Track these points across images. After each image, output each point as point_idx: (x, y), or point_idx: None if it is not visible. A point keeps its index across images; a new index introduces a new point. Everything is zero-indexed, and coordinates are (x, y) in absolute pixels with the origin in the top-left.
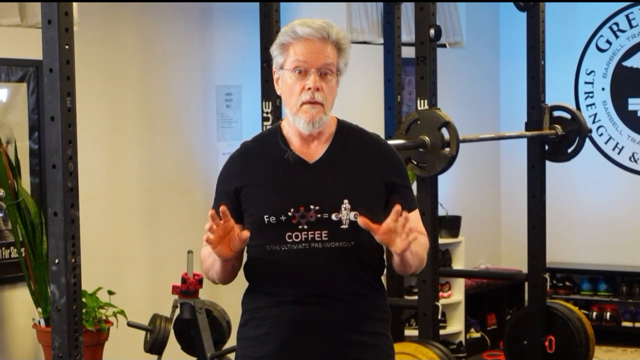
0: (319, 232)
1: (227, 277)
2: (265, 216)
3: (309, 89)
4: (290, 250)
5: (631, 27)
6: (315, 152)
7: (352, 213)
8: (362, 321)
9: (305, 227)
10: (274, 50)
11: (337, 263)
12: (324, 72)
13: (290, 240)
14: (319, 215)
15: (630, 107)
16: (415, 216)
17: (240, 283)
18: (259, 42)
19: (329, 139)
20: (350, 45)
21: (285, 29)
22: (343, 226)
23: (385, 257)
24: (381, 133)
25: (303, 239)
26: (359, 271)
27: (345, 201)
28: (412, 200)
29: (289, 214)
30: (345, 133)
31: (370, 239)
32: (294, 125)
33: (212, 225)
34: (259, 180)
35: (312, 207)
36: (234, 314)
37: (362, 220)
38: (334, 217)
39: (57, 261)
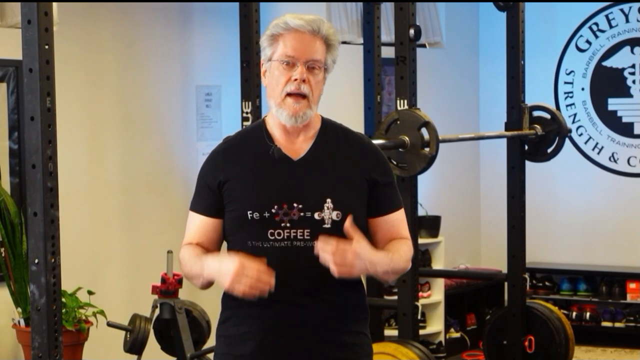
0: (301, 230)
1: (209, 286)
2: (248, 212)
3: (295, 79)
4: (272, 248)
5: (611, 27)
6: (299, 148)
7: (335, 212)
8: (341, 320)
9: (288, 225)
10: (264, 41)
11: (318, 262)
12: (311, 66)
13: (272, 238)
14: (302, 214)
15: (610, 107)
16: (399, 217)
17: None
18: (238, 42)
19: (313, 136)
20: (339, 43)
21: (277, 21)
22: (325, 225)
23: None
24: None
25: (285, 237)
26: None
27: (328, 200)
28: (397, 199)
29: (273, 210)
30: (329, 131)
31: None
32: (278, 120)
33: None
34: (242, 174)
35: (295, 205)
36: (214, 314)
37: (347, 224)
38: (316, 216)
39: (36, 261)
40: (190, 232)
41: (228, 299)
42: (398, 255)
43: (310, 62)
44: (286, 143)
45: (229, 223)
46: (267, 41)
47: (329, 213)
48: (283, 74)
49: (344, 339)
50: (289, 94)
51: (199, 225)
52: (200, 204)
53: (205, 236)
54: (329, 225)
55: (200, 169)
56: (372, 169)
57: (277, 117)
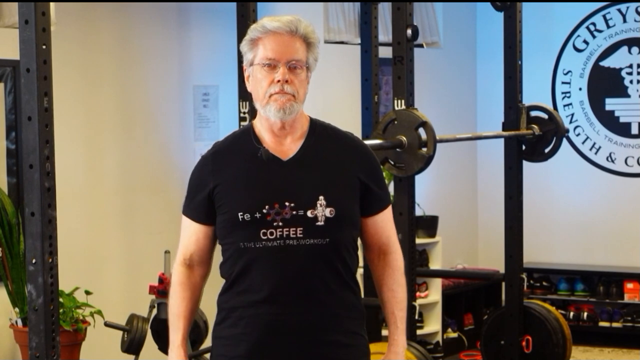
0: (294, 229)
1: None
2: (239, 213)
3: (278, 81)
4: (265, 248)
5: (608, 27)
6: (288, 149)
7: (328, 209)
8: (337, 320)
9: (280, 224)
10: (244, 47)
11: (312, 260)
12: (293, 66)
13: (265, 238)
14: (294, 212)
15: (607, 107)
16: (387, 216)
17: (218, 283)
18: (236, 42)
19: (302, 136)
20: (318, 41)
21: (255, 26)
22: (318, 223)
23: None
24: (358, 133)
25: (278, 236)
26: (334, 268)
27: (321, 197)
28: (386, 197)
29: (264, 211)
30: (319, 131)
31: (345, 236)
32: (266, 123)
33: None
34: (232, 178)
35: (287, 204)
36: (211, 314)
37: None
38: (309, 213)
39: (34, 261)
40: (183, 242)
41: (224, 300)
42: (403, 305)
43: (292, 62)
44: (275, 145)
45: (221, 226)
46: (247, 46)
47: (322, 210)
48: (266, 77)
49: (339, 339)
50: (272, 94)
51: (191, 232)
52: (191, 210)
53: (196, 244)
54: (322, 223)
55: (191, 175)
56: (362, 168)
57: (265, 117)
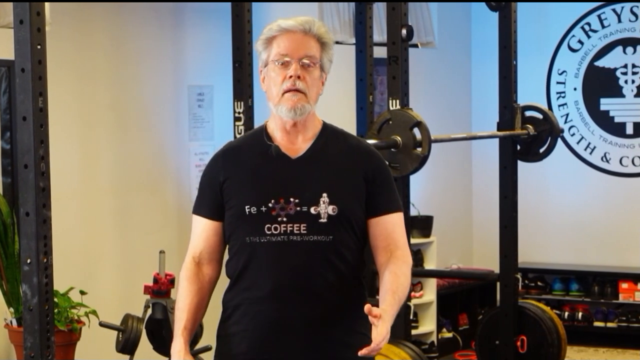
0: (298, 225)
1: None
2: (246, 206)
3: (290, 77)
4: (269, 243)
5: (603, 27)
6: (299, 148)
7: (331, 207)
8: (339, 319)
9: (285, 219)
10: (259, 46)
11: (314, 257)
12: (307, 64)
13: (270, 232)
14: (298, 209)
15: (602, 107)
16: (395, 220)
17: (219, 283)
18: (230, 42)
19: (313, 137)
20: (333, 42)
21: (270, 25)
22: (321, 220)
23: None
24: (353, 133)
25: (282, 232)
26: (336, 266)
27: (324, 195)
28: (394, 202)
29: (270, 205)
30: (329, 133)
31: (348, 235)
32: (279, 121)
33: None
34: (241, 172)
35: (292, 199)
36: (210, 314)
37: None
38: (312, 210)
39: (29, 261)
40: (193, 240)
41: (229, 298)
42: (402, 290)
43: (304, 59)
44: (286, 143)
45: (229, 222)
46: (261, 45)
47: (324, 207)
48: (279, 74)
49: (342, 337)
50: (285, 91)
51: (201, 229)
52: (202, 207)
53: (206, 242)
54: (325, 220)
55: (202, 174)
56: (369, 170)
57: (277, 116)
